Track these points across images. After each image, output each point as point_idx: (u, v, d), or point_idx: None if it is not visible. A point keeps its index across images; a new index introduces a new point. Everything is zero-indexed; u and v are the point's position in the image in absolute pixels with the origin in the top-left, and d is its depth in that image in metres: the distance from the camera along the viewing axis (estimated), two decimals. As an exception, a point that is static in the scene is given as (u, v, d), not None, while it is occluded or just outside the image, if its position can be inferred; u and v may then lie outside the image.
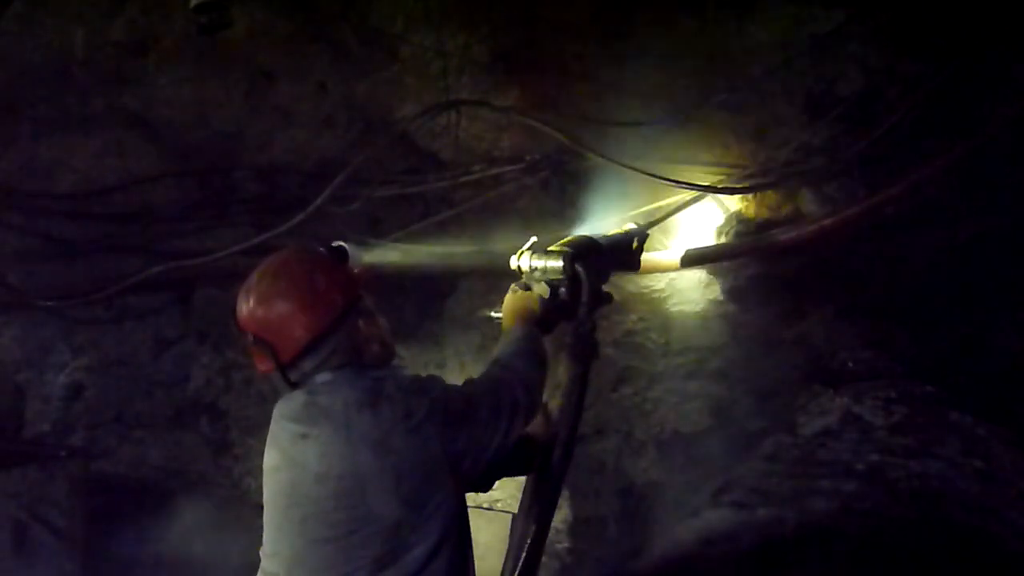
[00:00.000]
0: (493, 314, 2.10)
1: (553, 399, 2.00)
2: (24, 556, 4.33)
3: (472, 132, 3.72)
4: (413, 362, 4.05)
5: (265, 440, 1.78)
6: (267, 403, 4.17)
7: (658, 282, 3.80)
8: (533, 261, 2.08)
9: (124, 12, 3.53)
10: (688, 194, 3.44)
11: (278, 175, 4.10)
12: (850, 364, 3.47)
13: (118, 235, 4.18)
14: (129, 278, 3.94)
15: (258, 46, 3.58)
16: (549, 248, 2.09)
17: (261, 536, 1.77)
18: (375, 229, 3.93)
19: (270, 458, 1.74)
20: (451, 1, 3.33)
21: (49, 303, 4.08)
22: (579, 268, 2.05)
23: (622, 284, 3.77)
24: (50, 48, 3.61)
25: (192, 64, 3.68)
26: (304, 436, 1.66)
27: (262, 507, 1.76)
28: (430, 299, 4.17)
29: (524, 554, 1.80)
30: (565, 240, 2.16)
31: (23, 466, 4.39)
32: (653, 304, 3.83)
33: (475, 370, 4.18)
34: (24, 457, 4.34)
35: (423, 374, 1.75)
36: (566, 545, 3.78)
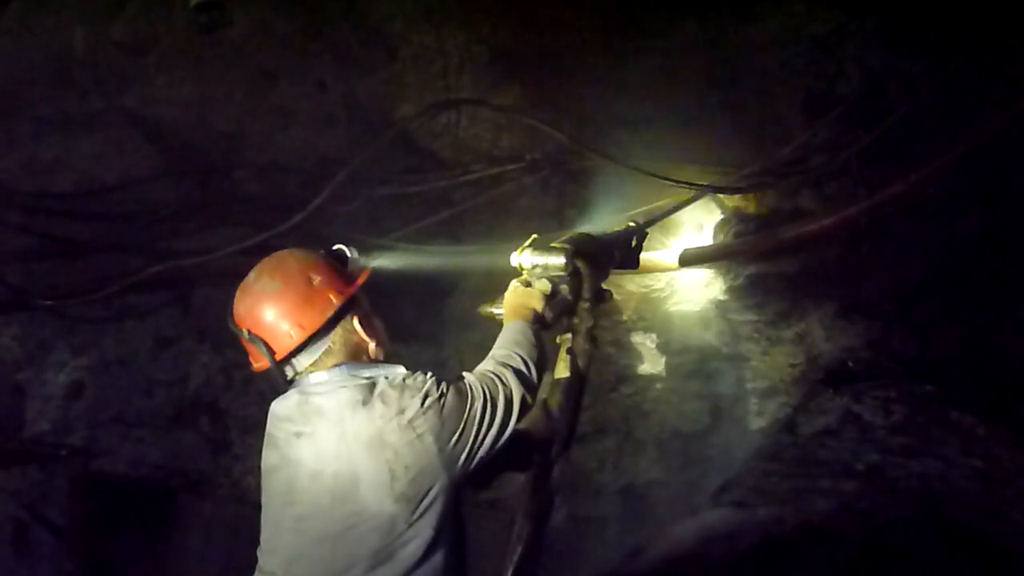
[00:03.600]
0: (494, 310, 2.09)
1: (552, 396, 2.00)
2: (24, 556, 4.33)
3: (472, 131, 3.72)
4: (413, 362, 4.01)
5: (264, 439, 1.79)
6: (267, 402, 4.17)
7: (658, 281, 3.80)
8: (534, 258, 2.07)
9: (124, 12, 3.53)
10: (688, 193, 3.44)
11: (278, 174, 4.09)
12: (850, 364, 3.47)
13: (118, 234, 4.18)
14: (129, 277, 3.93)
15: (258, 46, 3.58)
16: (550, 245, 2.09)
17: (259, 535, 1.77)
18: (375, 229, 3.93)
19: (267, 458, 1.75)
20: (451, 1, 3.33)
21: (49, 302, 4.07)
22: (580, 265, 2.05)
23: (622, 283, 3.77)
24: (50, 48, 3.61)
25: (192, 64, 3.68)
26: (299, 435, 1.68)
27: (262, 507, 1.77)
28: (430, 299, 4.17)
29: (520, 549, 1.80)
30: (566, 237, 2.16)
31: (23, 465, 4.39)
32: (653, 303, 3.83)
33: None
34: (24, 456, 4.33)
35: (420, 371, 1.75)
36: (566, 545, 3.78)
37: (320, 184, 3.67)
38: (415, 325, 4.13)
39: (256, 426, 4.19)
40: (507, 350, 1.87)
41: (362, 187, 3.87)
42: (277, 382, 1.75)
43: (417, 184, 3.91)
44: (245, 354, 1.81)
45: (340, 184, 3.62)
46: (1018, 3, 2.89)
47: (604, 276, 2.23)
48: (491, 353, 1.89)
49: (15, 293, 4.00)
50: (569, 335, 2.08)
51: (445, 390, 1.70)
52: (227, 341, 4.33)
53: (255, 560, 1.77)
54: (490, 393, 1.74)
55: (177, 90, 3.78)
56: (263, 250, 3.63)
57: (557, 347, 2.08)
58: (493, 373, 1.80)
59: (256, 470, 1.80)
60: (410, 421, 1.62)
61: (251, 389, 4.33)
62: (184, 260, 3.90)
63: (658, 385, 3.87)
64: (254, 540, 1.77)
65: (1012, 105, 2.87)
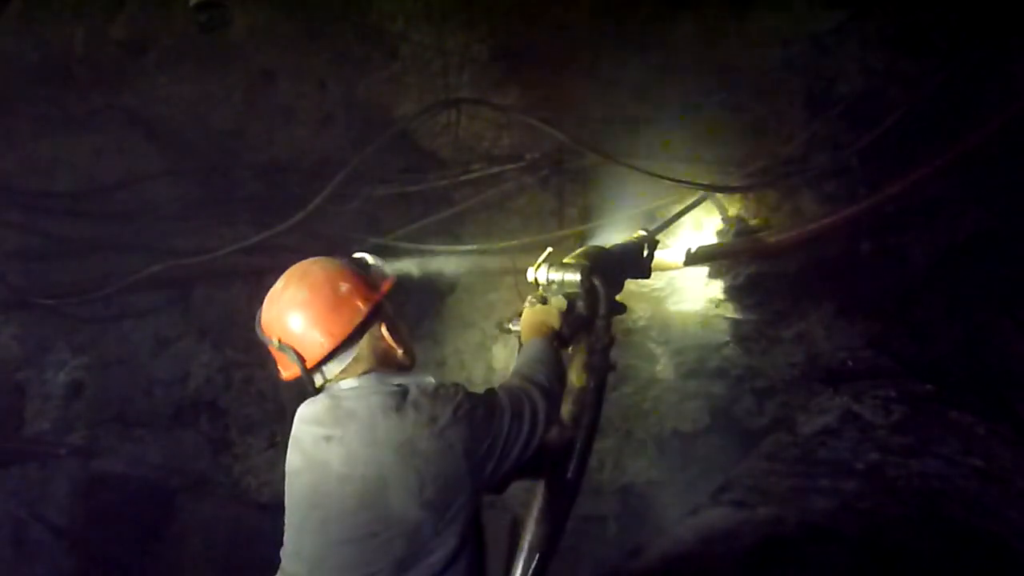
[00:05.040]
0: (512, 327, 2.10)
1: (564, 405, 2.01)
2: (24, 555, 4.33)
3: (472, 131, 3.72)
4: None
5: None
6: (267, 402, 4.19)
7: (658, 281, 3.80)
8: (550, 274, 2.09)
9: (124, 11, 3.53)
10: (691, 195, 3.44)
11: (278, 174, 4.09)
12: (850, 363, 3.47)
13: (118, 233, 4.18)
14: (129, 276, 3.94)
15: (258, 45, 3.58)
16: (565, 260, 2.10)
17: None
18: (375, 228, 3.93)
19: (292, 460, 1.75)
20: (451, 0, 3.33)
21: (49, 301, 4.07)
22: (596, 282, 2.06)
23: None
24: (50, 47, 3.61)
25: (192, 63, 3.68)
26: (328, 438, 1.67)
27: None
28: (430, 298, 4.17)
29: (537, 559, 1.81)
30: (580, 252, 2.17)
31: (23, 465, 4.39)
32: (653, 303, 3.83)
33: (475, 369, 4.18)
34: (24, 456, 4.33)
35: (450, 381, 1.76)
36: (566, 544, 3.78)
37: (320, 183, 3.68)
38: (415, 324, 4.13)
39: (256, 425, 4.22)
40: (531, 367, 1.89)
41: (362, 187, 3.87)
42: (307, 389, 1.75)
43: (417, 184, 3.91)
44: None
45: (340, 184, 3.63)
46: (1018, 3, 2.89)
47: (619, 289, 2.24)
48: (515, 369, 1.91)
49: (15, 293, 4.01)
50: (585, 350, 2.09)
51: (476, 402, 1.71)
52: (227, 340, 4.34)
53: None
54: (517, 408, 1.75)
55: (177, 89, 3.78)
56: (263, 249, 3.68)
57: (570, 359, 2.09)
58: (520, 388, 1.81)
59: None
60: (442, 430, 1.63)
61: (251, 388, 4.33)
62: (184, 259, 3.90)
63: (658, 385, 3.87)
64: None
65: (1012, 105, 2.87)
